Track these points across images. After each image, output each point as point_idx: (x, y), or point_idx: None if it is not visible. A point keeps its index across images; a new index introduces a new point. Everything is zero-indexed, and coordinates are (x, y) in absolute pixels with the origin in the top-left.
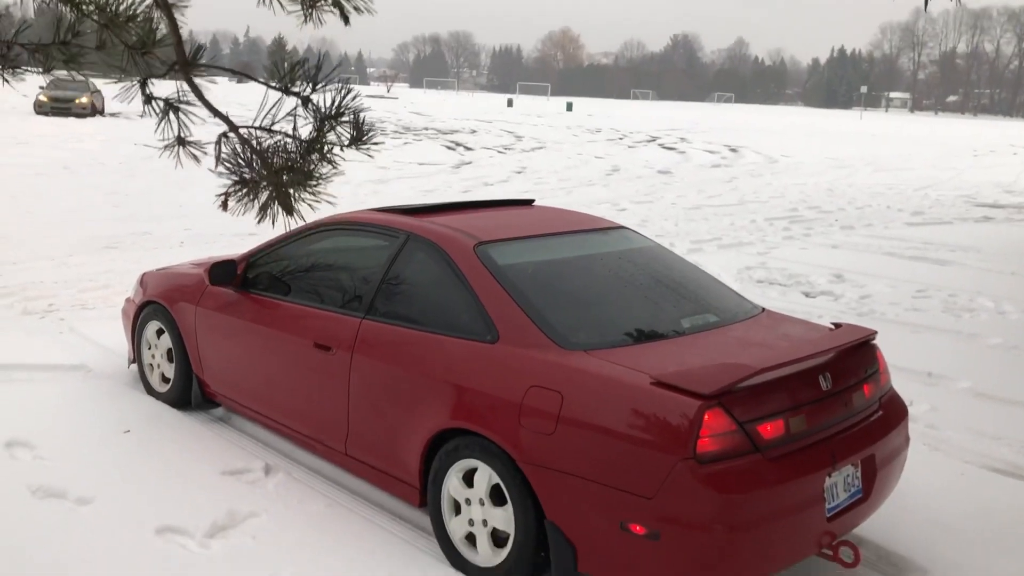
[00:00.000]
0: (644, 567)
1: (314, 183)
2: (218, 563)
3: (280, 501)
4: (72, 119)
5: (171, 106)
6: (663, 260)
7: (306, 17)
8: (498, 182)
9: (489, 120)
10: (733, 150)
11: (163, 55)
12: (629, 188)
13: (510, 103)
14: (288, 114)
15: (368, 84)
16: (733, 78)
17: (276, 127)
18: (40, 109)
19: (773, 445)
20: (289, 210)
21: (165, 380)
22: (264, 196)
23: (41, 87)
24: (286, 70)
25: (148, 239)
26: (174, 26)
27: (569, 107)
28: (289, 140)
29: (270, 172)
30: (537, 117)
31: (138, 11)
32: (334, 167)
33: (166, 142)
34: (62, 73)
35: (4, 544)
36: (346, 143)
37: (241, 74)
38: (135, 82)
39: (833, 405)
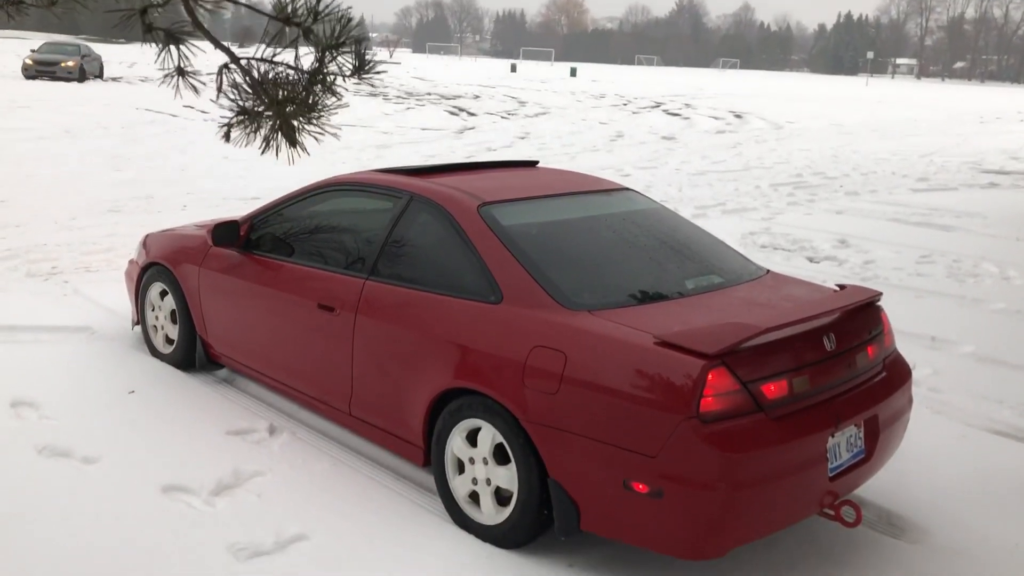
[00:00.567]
0: (647, 525)
1: (317, 115)
2: (223, 520)
3: (285, 461)
4: (73, 84)
5: (171, 37)
6: (667, 221)
7: None
8: (501, 147)
9: (492, 85)
10: (738, 116)
11: None
12: (633, 154)
13: (513, 68)
14: (290, 43)
15: (374, 86)
16: (739, 44)
17: (278, 59)
18: (27, 72)
19: (776, 405)
20: (293, 142)
21: (169, 341)
22: (267, 128)
23: (33, 50)
24: (287, 0)
25: (151, 203)
26: None
27: (573, 72)
28: (291, 71)
29: (272, 102)
30: (541, 82)
31: None
32: (338, 98)
33: (166, 71)
34: (59, 37)
35: (11, 502)
36: (348, 73)
37: (242, 4)
38: (136, 11)
39: (837, 366)
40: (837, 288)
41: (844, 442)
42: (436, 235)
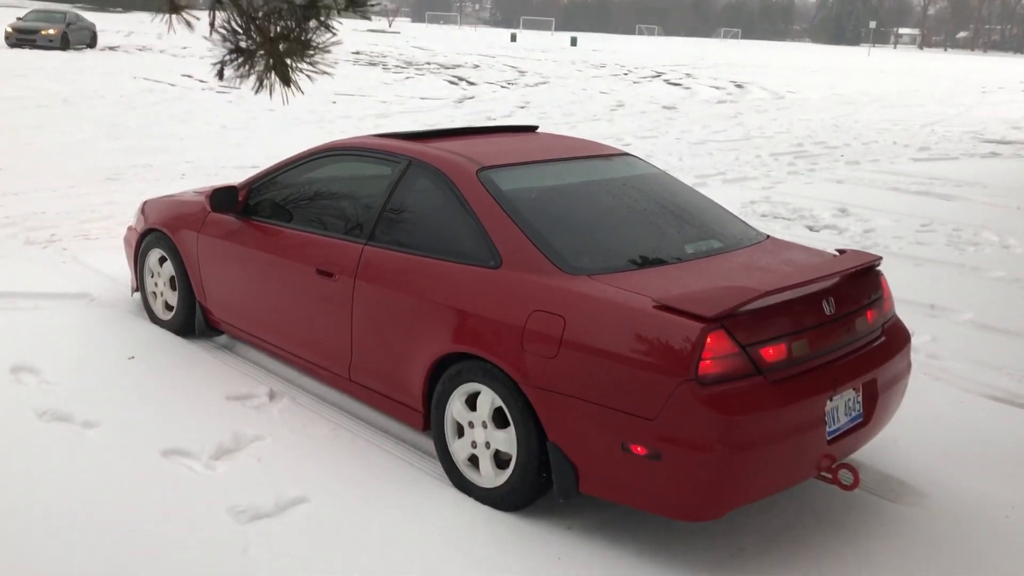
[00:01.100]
0: (645, 487)
1: (312, 52)
2: (224, 484)
3: (285, 426)
4: (71, 53)
5: None
6: (667, 186)
7: None
8: (501, 117)
9: (492, 55)
10: (739, 86)
11: None
12: (633, 123)
13: (513, 38)
14: None
15: (369, 19)
16: (740, 13)
17: None
18: (8, 41)
19: (775, 368)
20: (287, 80)
21: (168, 308)
22: (260, 66)
23: (18, 19)
24: None
25: (149, 171)
26: None
27: (573, 42)
28: (284, 6)
29: (265, 39)
30: (541, 52)
31: None
32: (333, 33)
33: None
34: (50, 5)
35: (12, 465)
36: (342, 6)
37: None
38: None
39: (836, 330)
40: (837, 253)
41: (842, 406)
42: (435, 200)
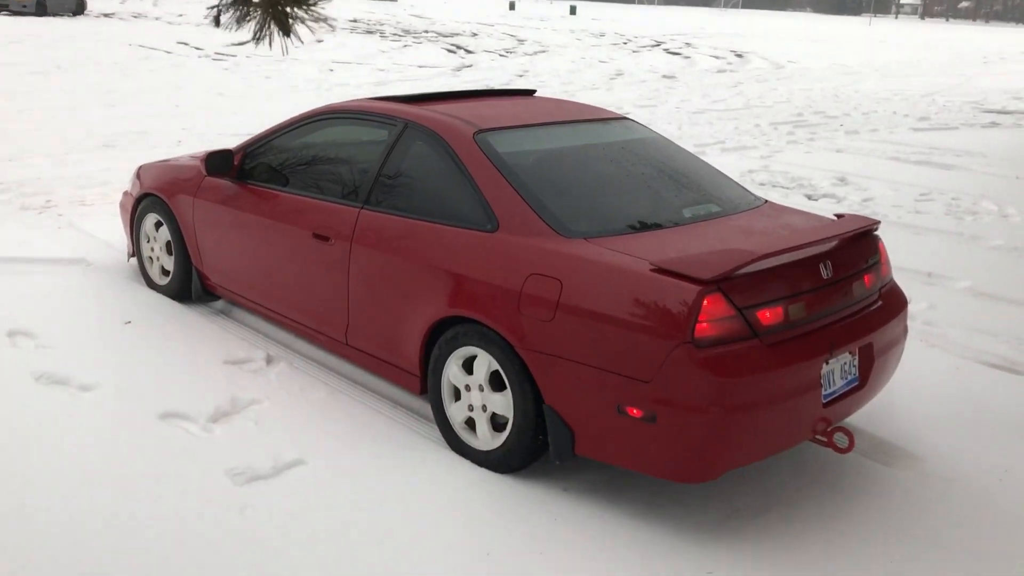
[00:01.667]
0: (640, 449)
1: (311, 2)
2: (221, 446)
3: (282, 389)
4: (59, 20)
5: None
6: (665, 151)
7: None
8: (500, 85)
9: (491, 23)
10: (739, 55)
11: None
12: (633, 92)
13: (512, 6)
14: None
15: None
16: None
17: None
18: None
19: (771, 331)
20: (286, 30)
21: (165, 273)
22: (258, 15)
23: None
24: None
25: (145, 138)
26: None
27: (573, 11)
28: None
29: None
30: (540, 21)
31: None
32: None
33: None
34: None
35: (10, 428)
36: None
37: None
38: None
39: (833, 293)
40: (835, 217)
41: (838, 369)
42: (431, 163)
